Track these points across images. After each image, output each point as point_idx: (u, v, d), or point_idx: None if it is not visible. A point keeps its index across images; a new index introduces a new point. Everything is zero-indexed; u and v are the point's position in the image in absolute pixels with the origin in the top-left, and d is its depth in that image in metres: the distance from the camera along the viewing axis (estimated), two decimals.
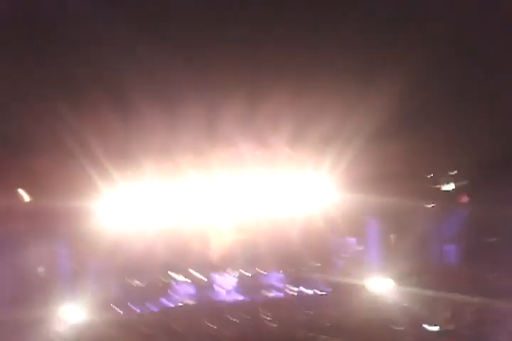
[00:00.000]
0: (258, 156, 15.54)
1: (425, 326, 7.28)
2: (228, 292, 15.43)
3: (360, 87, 12.56)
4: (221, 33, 11.74)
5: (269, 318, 11.22)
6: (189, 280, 15.92)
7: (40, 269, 13.44)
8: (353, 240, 16.04)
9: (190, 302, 14.98)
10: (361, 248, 15.63)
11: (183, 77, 12.44)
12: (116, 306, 14.04)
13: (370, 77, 12.42)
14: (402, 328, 8.08)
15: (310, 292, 15.02)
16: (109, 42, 11.52)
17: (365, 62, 12.35)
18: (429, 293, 10.75)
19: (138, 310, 14.22)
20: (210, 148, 15.57)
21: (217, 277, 15.99)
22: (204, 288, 15.67)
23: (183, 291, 15.58)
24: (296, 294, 15.03)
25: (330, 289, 14.88)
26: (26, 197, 14.30)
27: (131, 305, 14.42)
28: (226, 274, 16.00)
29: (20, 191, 14.26)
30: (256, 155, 15.42)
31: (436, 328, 6.99)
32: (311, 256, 16.20)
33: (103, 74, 12.15)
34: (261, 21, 11.48)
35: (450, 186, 17.80)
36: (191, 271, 16.23)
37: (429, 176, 15.18)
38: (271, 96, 12.56)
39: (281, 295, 15.13)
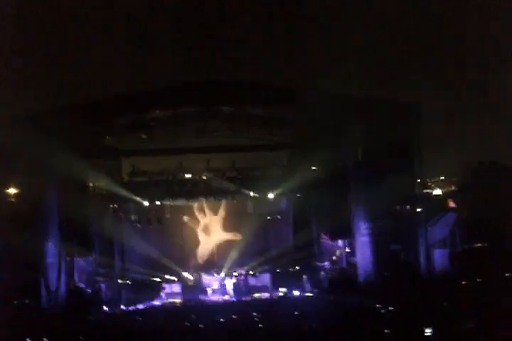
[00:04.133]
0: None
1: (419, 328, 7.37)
2: (216, 292, 15.45)
3: None
4: None
5: (256, 319, 11.21)
6: (177, 280, 15.99)
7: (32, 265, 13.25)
8: (340, 242, 16.11)
9: (178, 301, 14.95)
10: (348, 250, 15.70)
11: None
12: (104, 305, 13.94)
13: None
14: (390, 331, 8.12)
15: (297, 293, 15.07)
16: None
17: None
18: (416, 295, 10.86)
19: (124, 308, 14.15)
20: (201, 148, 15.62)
21: (205, 277, 16.03)
22: (192, 288, 15.72)
23: (171, 290, 15.63)
24: (283, 295, 15.07)
25: (317, 290, 14.94)
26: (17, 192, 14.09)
27: (118, 304, 14.39)
28: (214, 274, 16.03)
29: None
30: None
31: (429, 331, 7.07)
32: (299, 257, 16.28)
33: None
34: None
35: (438, 191, 17.99)
36: (180, 270, 16.31)
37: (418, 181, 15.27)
38: None
39: (268, 295, 15.17)
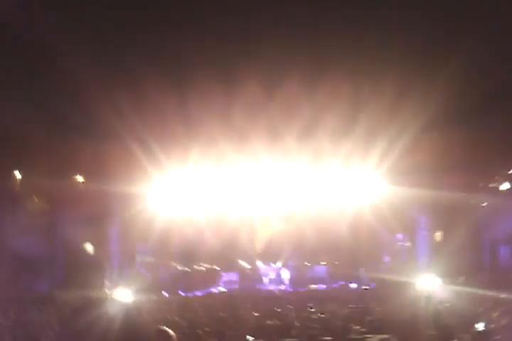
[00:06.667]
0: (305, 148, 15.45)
1: (472, 324, 7.09)
2: (272, 282, 15.56)
3: (414, 73, 12.21)
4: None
5: (312, 309, 11.19)
6: (235, 269, 16.24)
7: (92, 252, 13.90)
8: (400, 236, 15.78)
9: (235, 289, 15.19)
10: (408, 244, 15.35)
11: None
12: (164, 290, 14.41)
13: (426, 62, 12.08)
14: (448, 326, 7.86)
15: (354, 286, 14.91)
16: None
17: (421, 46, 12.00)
18: (478, 292, 10.45)
19: (184, 294, 14.55)
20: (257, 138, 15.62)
21: (262, 267, 16.16)
22: (249, 277, 15.92)
23: (228, 279, 15.92)
24: (340, 287, 14.96)
25: (374, 284, 14.72)
26: (81, 182, 14.85)
27: (177, 290, 14.82)
28: (271, 264, 16.13)
29: (76, 176, 14.84)
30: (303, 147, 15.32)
31: (482, 327, 6.80)
32: (357, 250, 16.09)
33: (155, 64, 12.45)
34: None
35: (506, 185, 17.10)
36: (237, 259, 16.55)
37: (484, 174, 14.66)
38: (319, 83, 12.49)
39: (324, 287, 15.11)
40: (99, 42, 11.20)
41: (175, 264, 16.03)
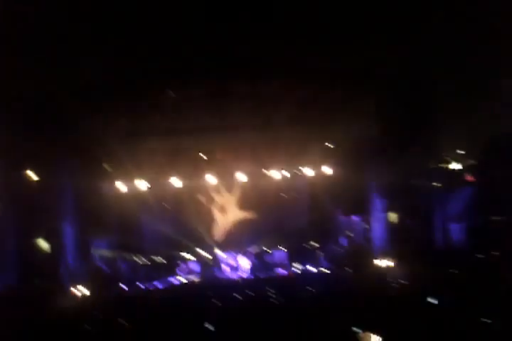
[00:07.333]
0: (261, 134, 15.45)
1: (427, 299, 7.34)
2: (232, 269, 15.60)
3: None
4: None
5: (273, 296, 11.34)
6: (194, 258, 16.19)
7: (45, 246, 13.58)
8: (357, 218, 16.06)
9: (196, 279, 15.16)
10: (365, 226, 15.65)
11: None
12: (122, 283, 14.24)
13: None
14: (404, 303, 8.11)
15: (314, 270, 15.13)
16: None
17: None
18: (431, 269, 10.80)
19: (143, 287, 14.41)
20: (214, 127, 15.51)
21: (222, 255, 16.16)
22: (209, 266, 15.90)
23: (188, 269, 15.84)
24: (300, 272, 15.15)
25: (332, 267, 14.99)
26: (34, 176, 14.39)
27: (136, 282, 14.66)
28: (231, 252, 16.15)
29: (29, 170, 14.37)
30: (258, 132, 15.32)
31: (436, 301, 7.04)
32: (315, 233, 16.30)
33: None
34: None
35: (457, 165, 17.67)
36: (197, 248, 16.49)
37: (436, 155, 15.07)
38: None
39: (285, 272, 15.26)
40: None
41: (132, 256, 15.83)
